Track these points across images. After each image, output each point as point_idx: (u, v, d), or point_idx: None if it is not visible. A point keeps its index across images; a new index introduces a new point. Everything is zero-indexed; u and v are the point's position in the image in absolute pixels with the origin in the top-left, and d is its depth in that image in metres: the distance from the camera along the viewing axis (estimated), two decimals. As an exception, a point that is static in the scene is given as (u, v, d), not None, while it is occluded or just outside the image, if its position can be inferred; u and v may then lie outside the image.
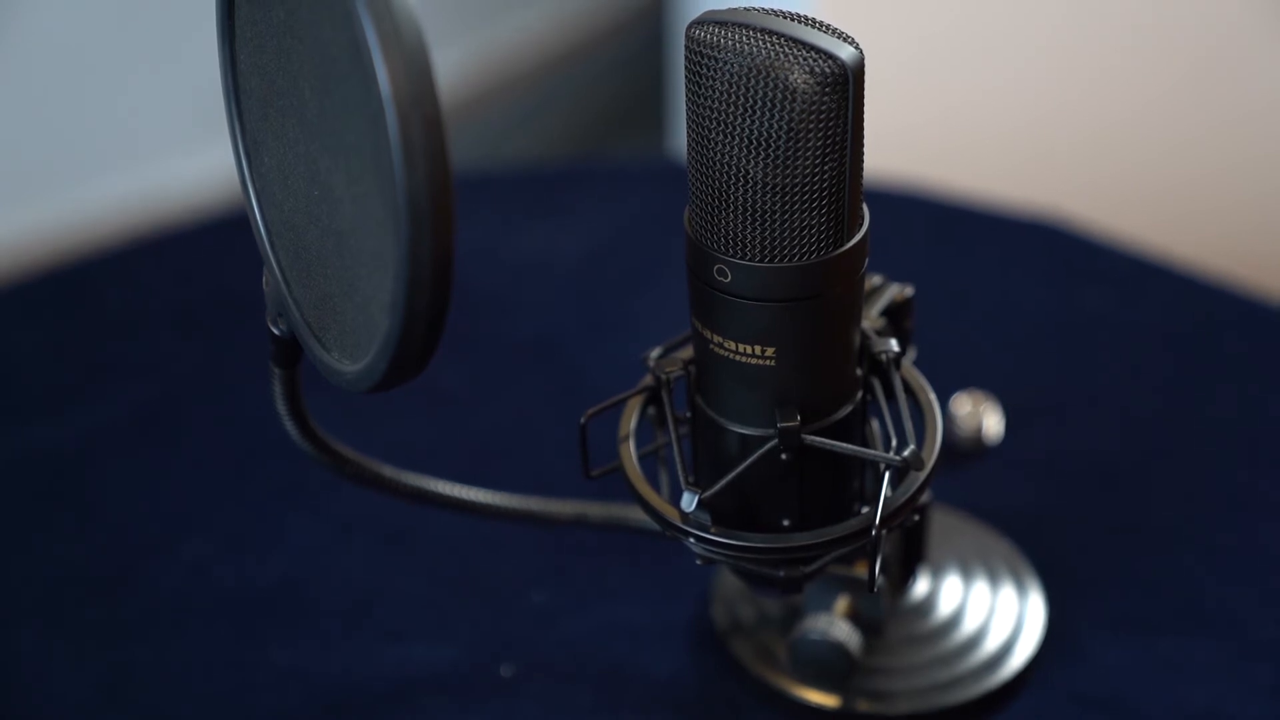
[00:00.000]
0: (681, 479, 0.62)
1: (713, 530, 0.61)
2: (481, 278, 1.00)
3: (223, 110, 0.59)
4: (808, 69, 0.54)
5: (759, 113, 0.54)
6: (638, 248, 1.04)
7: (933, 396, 0.65)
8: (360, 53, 0.46)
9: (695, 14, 0.57)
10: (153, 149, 1.86)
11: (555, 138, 2.12)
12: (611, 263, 1.03)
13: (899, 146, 1.18)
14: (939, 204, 1.05)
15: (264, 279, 0.59)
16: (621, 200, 1.10)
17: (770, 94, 0.54)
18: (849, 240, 0.57)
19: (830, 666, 0.69)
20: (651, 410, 0.66)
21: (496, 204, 1.09)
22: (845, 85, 0.54)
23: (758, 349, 0.59)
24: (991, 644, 0.72)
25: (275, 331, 0.59)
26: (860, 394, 0.63)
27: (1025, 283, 0.98)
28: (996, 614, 0.73)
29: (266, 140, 0.56)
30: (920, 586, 0.73)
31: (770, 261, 0.57)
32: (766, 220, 0.56)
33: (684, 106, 0.57)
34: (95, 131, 1.83)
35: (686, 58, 0.56)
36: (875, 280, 0.67)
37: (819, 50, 0.54)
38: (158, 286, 1.02)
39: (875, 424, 0.66)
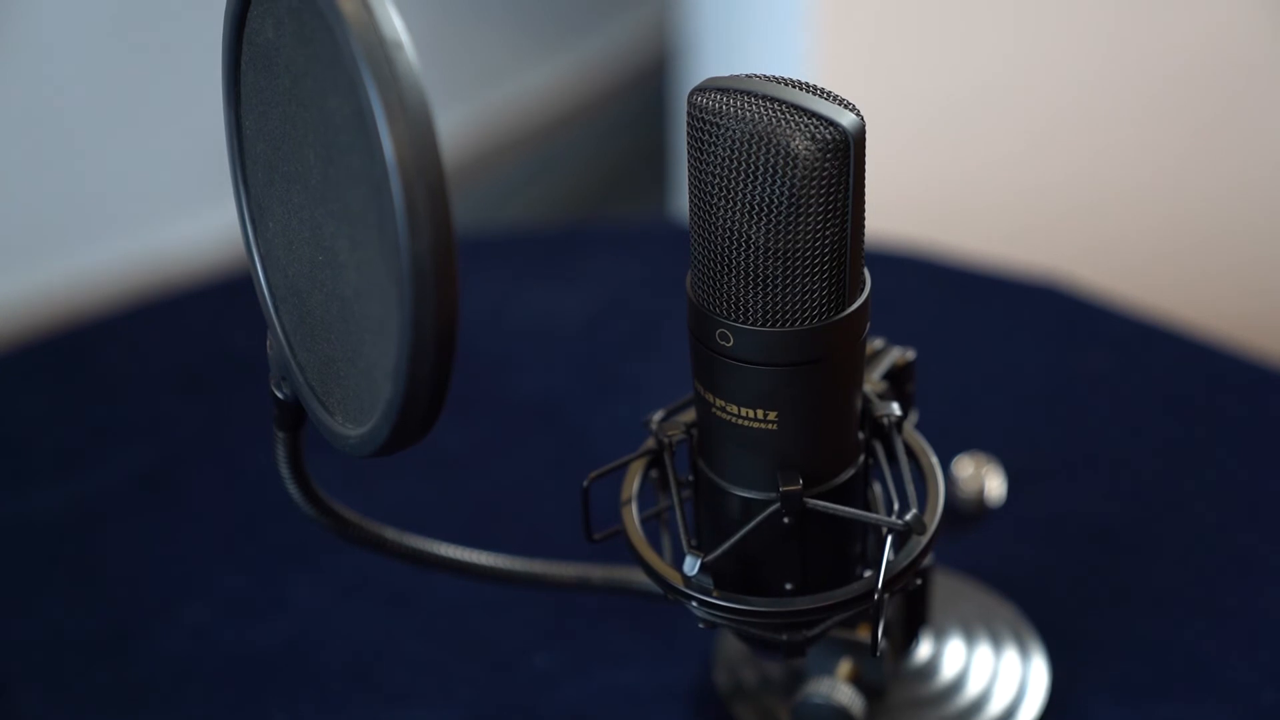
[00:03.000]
0: (684, 542, 0.62)
1: (715, 594, 0.61)
2: (483, 339, 1.00)
3: (225, 172, 0.60)
4: (809, 135, 0.54)
5: (760, 178, 0.54)
6: (640, 310, 1.05)
7: (935, 460, 0.65)
8: (365, 121, 0.46)
9: (697, 78, 0.57)
10: (155, 211, 1.87)
11: (557, 200, 2.13)
12: (613, 325, 1.03)
13: (900, 209, 1.19)
14: (940, 266, 1.05)
15: (268, 342, 0.59)
16: (624, 263, 1.10)
17: (772, 160, 0.54)
18: (851, 305, 0.58)
19: (833, 731, 0.69)
20: (654, 473, 0.66)
21: (498, 266, 1.09)
22: (846, 151, 0.54)
23: (760, 413, 0.59)
24: (995, 708, 0.72)
25: (279, 395, 0.60)
26: (862, 458, 0.63)
27: (1027, 345, 0.98)
28: (1000, 678, 0.73)
29: (271, 205, 0.57)
30: (923, 650, 0.73)
31: (772, 326, 0.57)
32: (768, 285, 0.56)
33: (686, 171, 0.58)
34: (97, 193, 1.84)
35: (689, 124, 0.56)
36: (877, 344, 0.67)
37: (820, 117, 0.54)
38: (160, 349, 1.02)
39: (877, 487, 0.66)
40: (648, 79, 2.15)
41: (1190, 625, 0.77)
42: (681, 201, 1.77)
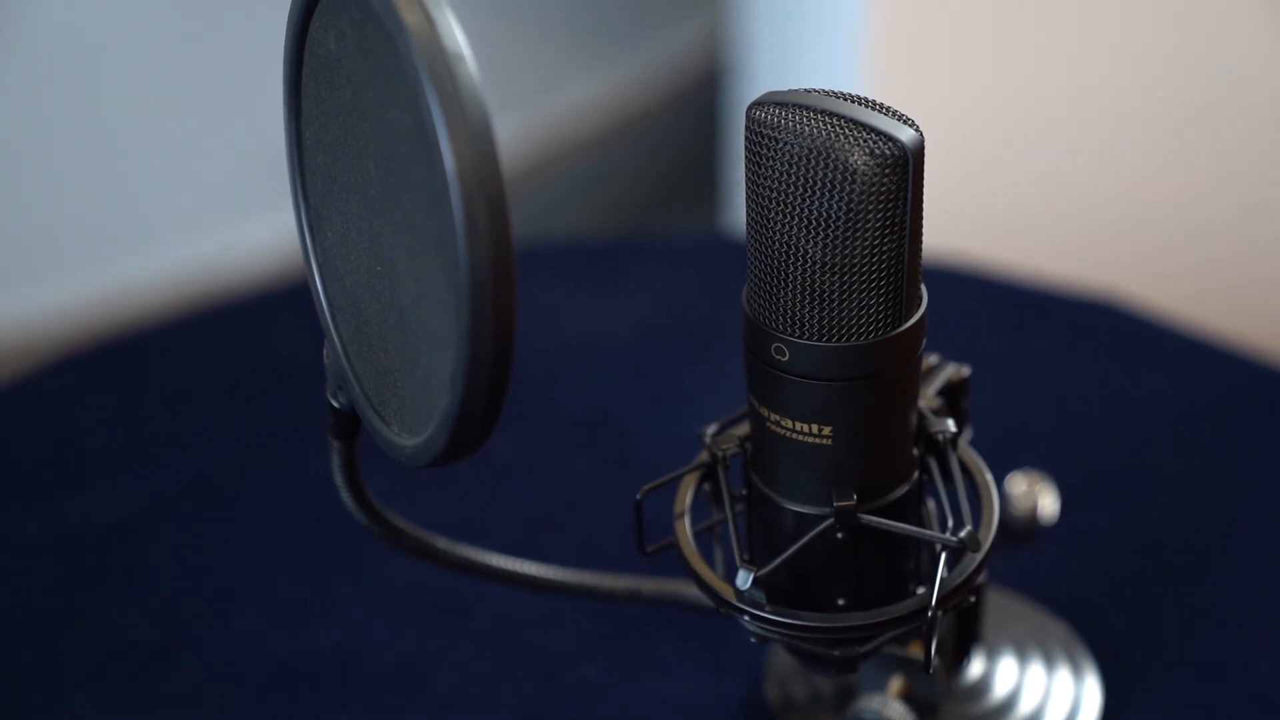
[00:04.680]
0: (736, 556, 0.62)
1: (768, 609, 0.61)
2: (534, 350, 1.00)
3: (281, 180, 0.60)
4: (868, 150, 0.54)
5: (819, 193, 0.54)
6: (691, 322, 1.05)
7: (989, 477, 0.64)
8: (426, 132, 0.46)
9: (750, 90, 0.57)
10: (210, 218, 1.88)
11: (608, 211, 2.13)
12: (664, 336, 1.03)
13: (954, 224, 1.19)
14: (994, 282, 1.05)
15: (325, 351, 0.59)
16: (675, 274, 1.10)
17: (830, 175, 0.54)
18: (907, 320, 0.57)
19: (884, 747, 0.69)
20: (707, 487, 0.66)
21: (550, 276, 1.09)
22: (905, 167, 0.54)
23: (815, 427, 0.59)
24: (1047, 727, 0.72)
25: (335, 404, 0.60)
26: (917, 474, 0.63)
27: (1081, 362, 0.98)
28: (1052, 697, 0.73)
29: (330, 215, 0.57)
30: (975, 668, 0.73)
31: (828, 341, 0.57)
32: (825, 300, 0.56)
33: (739, 181, 0.58)
34: (152, 200, 1.86)
35: (747, 138, 0.56)
36: (932, 360, 0.67)
37: (879, 132, 0.54)
38: (214, 356, 1.03)
39: (931, 504, 0.66)
40: (700, 91, 2.15)
41: (1245, 645, 0.77)
42: (733, 214, 1.77)
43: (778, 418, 0.59)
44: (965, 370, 0.67)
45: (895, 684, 0.70)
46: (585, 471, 0.91)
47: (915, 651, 0.69)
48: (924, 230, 0.57)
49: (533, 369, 0.98)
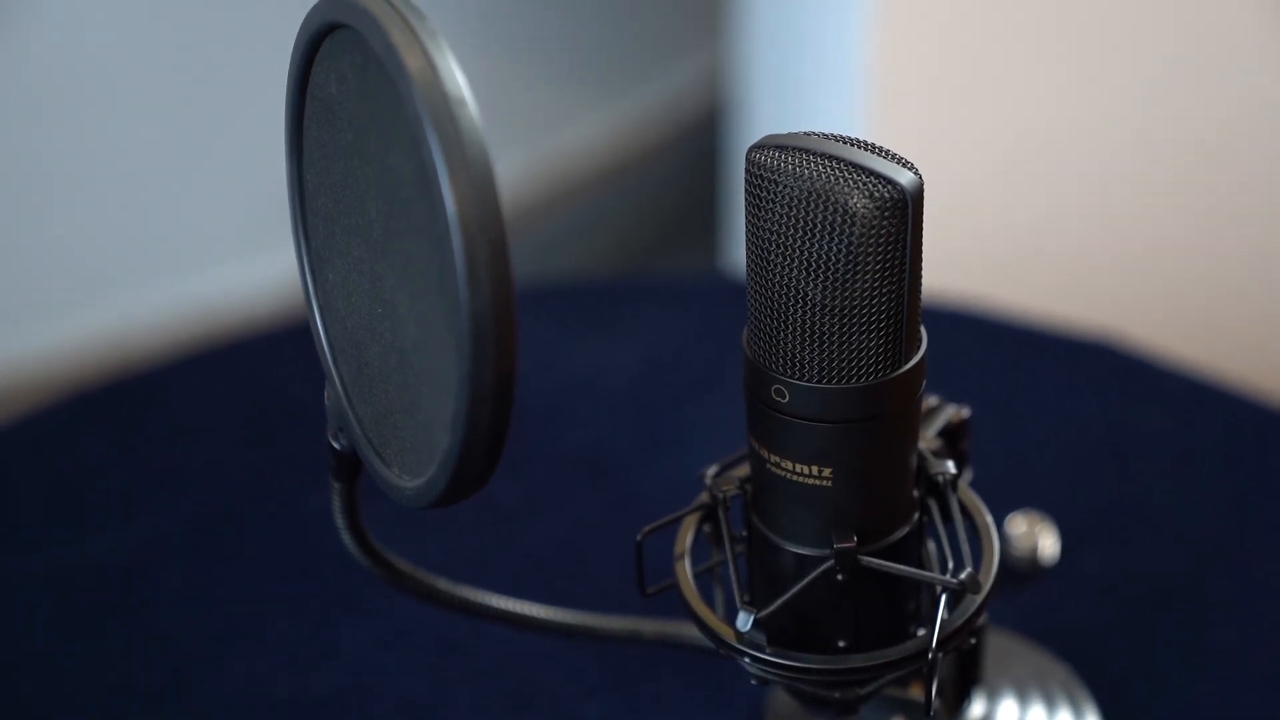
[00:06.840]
0: (737, 598, 0.62)
1: (768, 650, 0.61)
2: (535, 390, 1.00)
3: (282, 219, 0.60)
4: (867, 193, 0.54)
5: (818, 236, 0.55)
6: (691, 362, 1.05)
7: (989, 519, 0.64)
8: (427, 177, 0.46)
9: (750, 130, 0.58)
10: (213, 257, 1.88)
11: (608, 251, 2.13)
12: (665, 377, 1.03)
13: (953, 264, 1.19)
14: (995, 323, 1.05)
15: (326, 393, 0.59)
16: (675, 314, 1.11)
17: (830, 218, 0.54)
18: (907, 362, 0.58)
19: (884, 789, 0.68)
20: (707, 528, 0.66)
21: (550, 316, 1.10)
22: (905, 210, 0.54)
23: (815, 469, 0.59)
24: (1048, 769, 0.71)
25: (336, 446, 0.60)
26: (917, 515, 0.63)
27: (1081, 403, 0.98)
28: (1053, 738, 0.73)
29: (331, 257, 0.57)
30: (976, 710, 0.73)
31: (828, 383, 0.57)
32: (825, 342, 0.56)
33: (739, 222, 0.58)
34: (158, 239, 1.86)
35: (746, 181, 0.56)
36: (932, 401, 0.67)
37: (879, 175, 0.54)
38: (218, 395, 1.03)
39: (931, 545, 0.66)
40: (700, 131, 2.16)
41: (1246, 685, 0.77)
42: (733, 254, 1.77)
43: (778, 459, 0.59)
44: (965, 411, 0.67)
45: (896, 726, 0.69)
46: (586, 512, 0.91)
47: (916, 693, 0.68)
48: (923, 271, 0.58)
49: (533, 409, 0.98)
